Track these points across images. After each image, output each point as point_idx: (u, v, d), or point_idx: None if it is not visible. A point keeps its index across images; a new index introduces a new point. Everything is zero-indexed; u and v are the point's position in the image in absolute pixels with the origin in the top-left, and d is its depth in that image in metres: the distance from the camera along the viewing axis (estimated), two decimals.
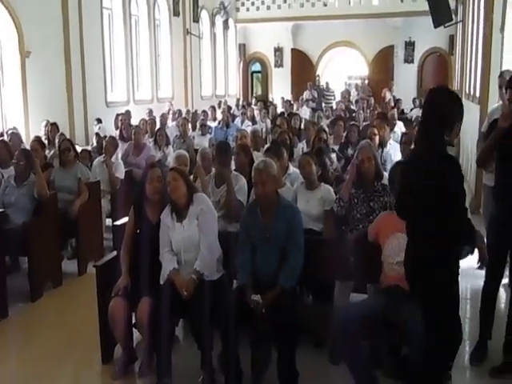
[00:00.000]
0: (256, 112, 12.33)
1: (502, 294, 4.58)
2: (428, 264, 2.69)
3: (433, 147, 2.65)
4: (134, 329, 3.71)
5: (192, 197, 3.54)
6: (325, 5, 17.86)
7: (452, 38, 16.17)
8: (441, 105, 2.67)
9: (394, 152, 6.24)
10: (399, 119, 9.79)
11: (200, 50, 16.84)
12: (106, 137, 7.51)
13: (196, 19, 16.19)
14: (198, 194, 3.64)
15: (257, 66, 20.80)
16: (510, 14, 7.39)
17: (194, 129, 10.15)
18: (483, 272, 3.82)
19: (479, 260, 3.07)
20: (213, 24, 17.56)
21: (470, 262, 5.05)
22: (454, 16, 13.87)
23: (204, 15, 17.09)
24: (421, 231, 2.71)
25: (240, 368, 3.33)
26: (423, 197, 2.64)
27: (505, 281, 4.36)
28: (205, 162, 5.01)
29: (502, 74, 5.12)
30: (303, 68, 18.59)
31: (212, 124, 10.69)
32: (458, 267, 2.78)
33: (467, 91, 11.43)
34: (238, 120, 11.38)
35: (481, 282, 3.81)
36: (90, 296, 3.83)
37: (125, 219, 3.90)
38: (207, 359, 3.36)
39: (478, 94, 9.04)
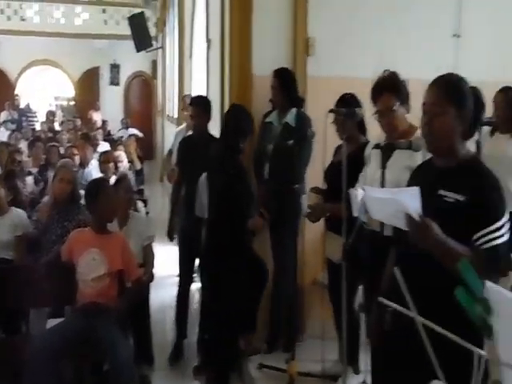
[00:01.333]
0: None
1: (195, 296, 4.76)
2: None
3: (230, 153, 3.39)
4: None
5: None
6: (23, 19, 16.74)
7: (155, 63, 17.04)
8: (236, 119, 3.44)
9: (96, 172, 6.24)
10: (106, 140, 9.85)
11: None
12: None
13: None
14: None
15: None
16: (196, 42, 8.22)
17: None
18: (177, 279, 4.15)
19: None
20: None
21: (168, 271, 5.44)
22: (155, 42, 14.68)
23: None
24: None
25: None
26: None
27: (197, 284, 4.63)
28: None
29: (183, 98, 5.63)
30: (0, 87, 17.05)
31: None
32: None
33: (167, 113, 12.24)
34: None
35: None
36: None
37: None
38: None
39: (175, 116, 9.78)
